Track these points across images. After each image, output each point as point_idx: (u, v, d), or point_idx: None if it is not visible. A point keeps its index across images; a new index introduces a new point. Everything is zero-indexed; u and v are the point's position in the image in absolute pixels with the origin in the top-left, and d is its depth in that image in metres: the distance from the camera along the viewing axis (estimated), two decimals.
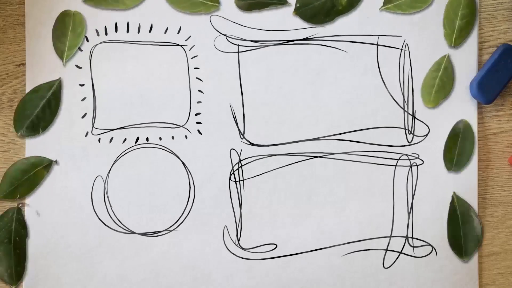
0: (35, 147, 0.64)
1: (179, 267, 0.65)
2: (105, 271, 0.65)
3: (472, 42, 0.66)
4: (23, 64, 0.65)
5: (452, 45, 0.66)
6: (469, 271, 0.66)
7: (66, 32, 0.64)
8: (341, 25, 0.65)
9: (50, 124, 0.64)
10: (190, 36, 0.65)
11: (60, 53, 0.64)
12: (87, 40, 0.65)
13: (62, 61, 0.64)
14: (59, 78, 0.64)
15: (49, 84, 0.64)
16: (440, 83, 0.65)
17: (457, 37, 0.65)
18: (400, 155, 0.66)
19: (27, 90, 0.64)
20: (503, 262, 0.67)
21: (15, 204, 0.65)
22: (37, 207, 0.64)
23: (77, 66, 0.65)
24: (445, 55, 0.65)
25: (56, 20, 0.64)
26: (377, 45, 0.66)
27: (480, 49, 0.66)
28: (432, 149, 0.66)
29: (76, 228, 0.65)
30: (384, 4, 0.65)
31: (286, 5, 0.65)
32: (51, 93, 0.64)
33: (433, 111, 0.66)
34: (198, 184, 0.65)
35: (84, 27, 0.64)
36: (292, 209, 0.65)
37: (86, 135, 0.65)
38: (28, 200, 0.64)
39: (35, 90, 0.64)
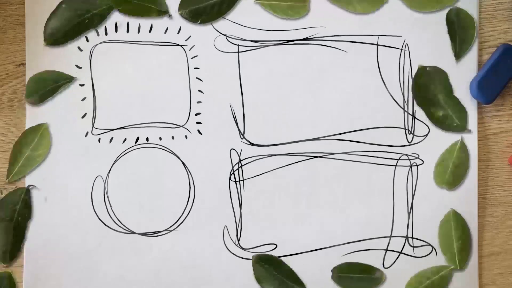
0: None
1: (179, 267, 0.65)
2: (105, 271, 0.65)
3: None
4: (23, 64, 0.65)
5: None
6: (469, 271, 0.66)
7: None
8: (341, 25, 0.65)
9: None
10: (190, 36, 0.65)
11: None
12: (87, 40, 0.65)
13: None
14: None
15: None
16: None
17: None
18: (400, 155, 0.66)
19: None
20: (503, 262, 0.67)
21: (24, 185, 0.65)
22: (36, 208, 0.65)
23: (77, 66, 0.65)
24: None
25: None
26: (377, 45, 0.66)
27: (480, 49, 0.66)
28: (432, 149, 0.66)
29: (76, 228, 0.65)
30: None
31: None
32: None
33: None
34: (198, 184, 0.65)
35: None
36: (292, 209, 0.65)
37: (86, 135, 0.65)
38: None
39: None
